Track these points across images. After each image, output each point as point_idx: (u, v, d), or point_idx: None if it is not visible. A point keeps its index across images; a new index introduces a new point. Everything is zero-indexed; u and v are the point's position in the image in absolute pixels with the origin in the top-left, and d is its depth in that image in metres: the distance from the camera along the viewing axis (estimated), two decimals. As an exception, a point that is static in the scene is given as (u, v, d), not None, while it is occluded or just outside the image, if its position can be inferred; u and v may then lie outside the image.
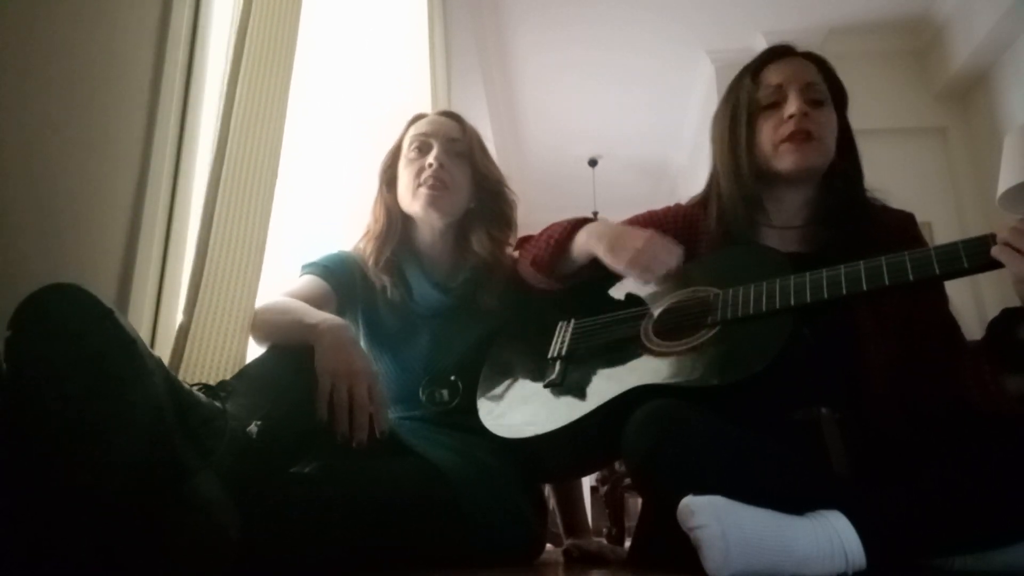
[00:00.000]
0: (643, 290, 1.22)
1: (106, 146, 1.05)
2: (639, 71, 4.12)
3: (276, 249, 1.36)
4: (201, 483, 0.74)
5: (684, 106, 4.43)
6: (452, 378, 1.30)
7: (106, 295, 1.00)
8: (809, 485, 0.89)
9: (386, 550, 1.00)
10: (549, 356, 1.20)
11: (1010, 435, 0.86)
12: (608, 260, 1.17)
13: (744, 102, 1.18)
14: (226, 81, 1.15)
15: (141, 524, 0.68)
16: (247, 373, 1.00)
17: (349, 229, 1.57)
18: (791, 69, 1.17)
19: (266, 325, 1.15)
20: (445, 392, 1.30)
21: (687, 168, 4.94)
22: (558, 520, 1.48)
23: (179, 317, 1.07)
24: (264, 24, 1.19)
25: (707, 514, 0.79)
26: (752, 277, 1.06)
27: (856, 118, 1.22)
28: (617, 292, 1.26)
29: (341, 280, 1.35)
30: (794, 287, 1.00)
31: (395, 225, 1.39)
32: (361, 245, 1.41)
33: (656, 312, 1.15)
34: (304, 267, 1.36)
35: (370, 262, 1.36)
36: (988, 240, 0.89)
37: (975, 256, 0.89)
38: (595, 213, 5.03)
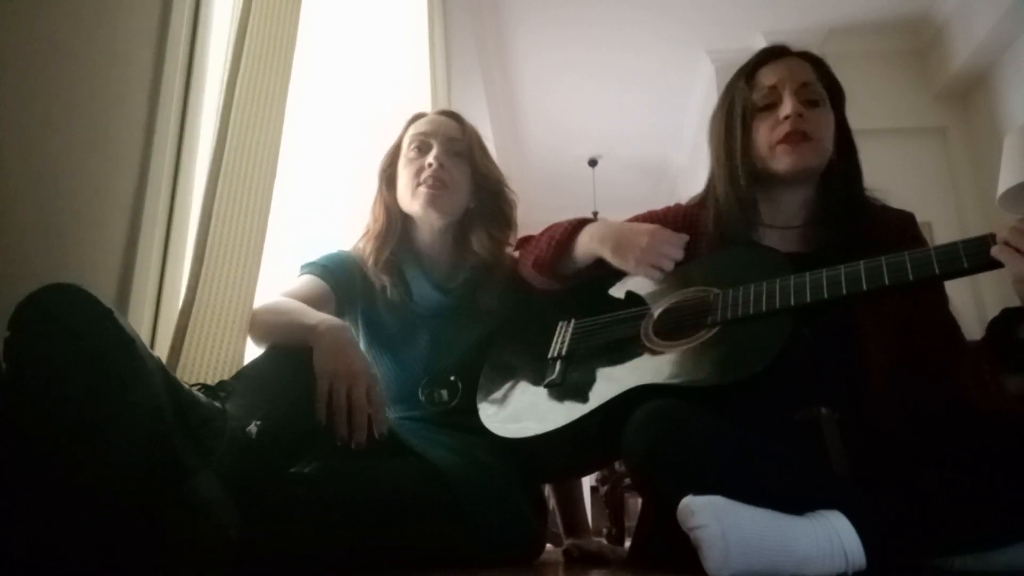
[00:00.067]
0: (643, 290, 1.22)
1: (106, 146, 1.05)
2: (639, 71, 4.12)
3: (275, 249, 1.36)
4: (201, 483, 0.74)
5: (684, 106, 4.43)
6: (452, 378, 1.30)
7: (106, 295, 1.00)
8: (809, 485, 0.89)
9: (386, 550, 1.00)
10: (549, 356, 1.20)
11: (1010, 435, 0.86)
12: (615, 261, 1.17)
13: (739, 104, 1.18)
14: (225, 80, 1.15)
15: (141, 524, 0.68)
16: (246, 373, 1.00)
17: (348, 229, 1.57)
18: (786, 70, 1.17)
19: (265, 325, 1.14)
20: (445, 392, 1.30)
21: (687, 168, 4.94)
22: (558, 520, 1.48)
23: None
24: (263, 23, 1.19)
25: (707, 514, 0.79)
26: (752, 277, 1.06)
27: (856, 118, 1.22)
28: (617, 292, 1.26)
29: (340, 280, 1.34)
30: (794, 287, 1.00)
31: (395, 225, 1.39)
32: (360, 245, 1.41)
33: (656, 312, 1.15)
34: (303, 267, 1.36)
35: (370, 262, 1.36)
36: (988, 240, 0.89)
37: (975, 256, 0.89)
38: (595, 213, 5.03)
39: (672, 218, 1.28)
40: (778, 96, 1.15)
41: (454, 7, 3.13)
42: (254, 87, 1.15)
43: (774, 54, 1.21)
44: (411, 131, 1.41)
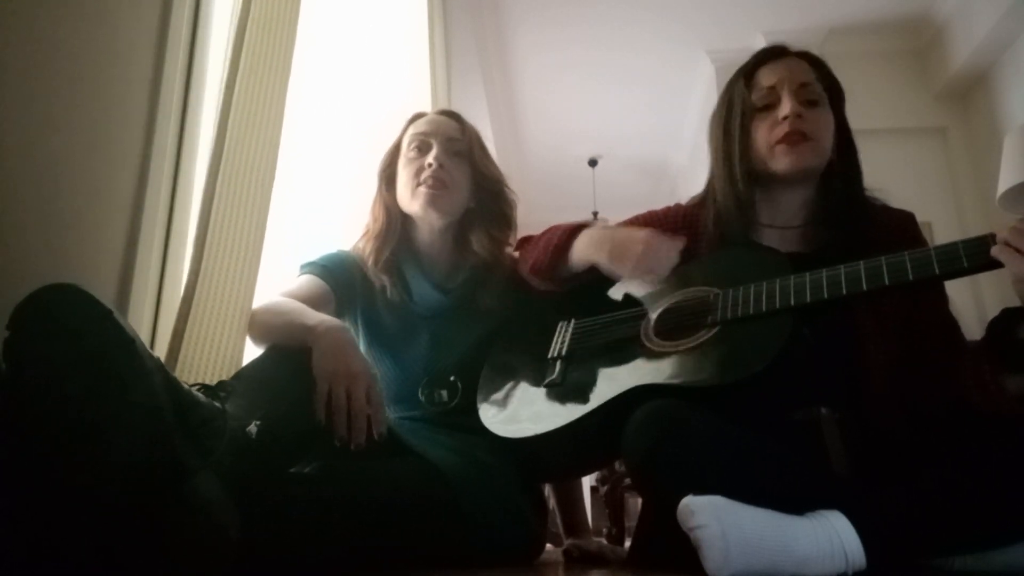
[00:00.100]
0: (643, 290, 1.21)
1: (106, 146, 1.05)
2: (639, 71, 4.12)
3: (275, 249, 1.36)
4: (201, 483, 0.74)
5: (684, 106, 4.43)
6: (451, 378, 1.30)
7: (106, 295, 1.01)
8: (809, 485, 0.89)
9: (386, 550, 1.00)
10: (549, 356, 1.20)
11: (1010, 435, 0.86)
12: (611, 268, 1.16)
13: (738, 105, 1.18)
14: (224, 80, 1.15)
15: (141, 524, 0.68)
16: (246, 374, 1.00)
17: (348, 229, 1.57)
18: (785, 70, 1.17)
19: (264, 326, 1.14)
20: (444, 392, 1.30)
21: (687, 168, 4.94)
22: (558, 520, 1.48)
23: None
24: (262, 23, 1.19)
25: (707, 514, 0.79)
26: (752, 277, 1.06)
27: (856, 118, 1.22)
28: (617, 292, 1.25)
29: (340, 280, 1.34)
30: (794, 287, 1.00)
31: (394, 225, 1.39)
32: (360, 245, 1.41)
33: (656, 312, 1.15)
34: (303, 267, 1.36)
35: (369, 262, 1.36)
36: (988, 240, 0.89)
37: (975, 256, 0.89)
38: (595, 213, 5.03)
39: (672, 218, 1.28)
40: (777, 96, 1.15)
41: (454, 7, 3.13)
42: (253, 86, 1.15)
43: (773, 54, 1.20)
44: (411, 131, 1.41)
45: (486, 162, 1.41)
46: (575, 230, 1.26)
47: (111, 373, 0.68)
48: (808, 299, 0.98)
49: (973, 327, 1.12)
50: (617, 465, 2.55)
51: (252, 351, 1.13)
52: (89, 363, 0.68)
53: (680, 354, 1.04)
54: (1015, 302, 0.93)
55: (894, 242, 1.05)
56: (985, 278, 2.80)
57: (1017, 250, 0.86)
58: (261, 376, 0.99)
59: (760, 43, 3.65)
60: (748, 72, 1.20)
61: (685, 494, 0.82)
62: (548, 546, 1.60)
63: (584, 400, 1.07)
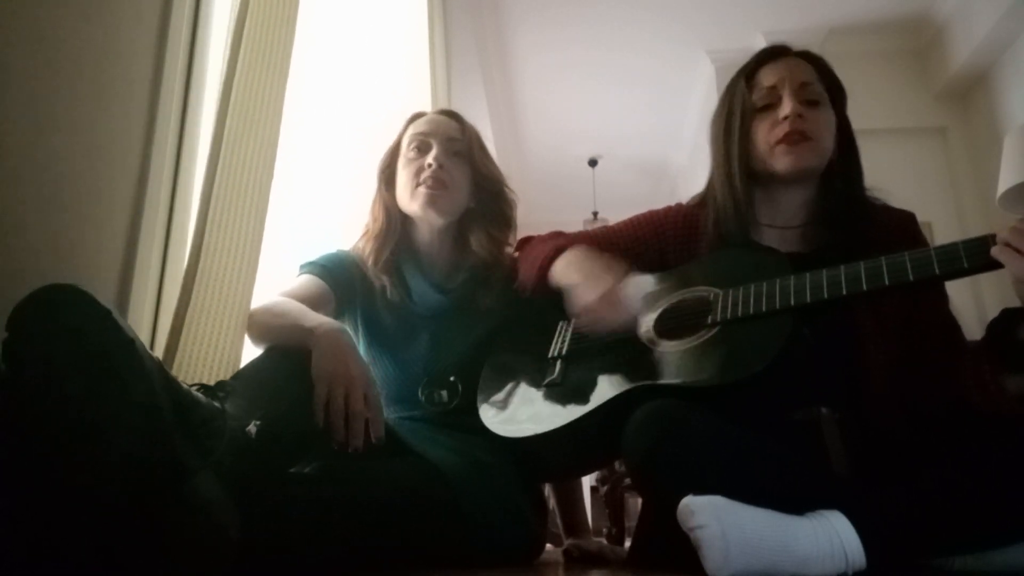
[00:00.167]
0: (644, 290, 1.22)
1: (106, 146, 1.05)
2: (639, 71, 4.12)
3: (274, 249, 1.36)
4: (201, 483, 0.74)
5: (684, 106, 4.44)
6: (451, 379, 1.30)
7: (106, 295, 1.01)
8: (809, 485, 0.89)
9: (386, 550, 1.00)
10: (549, 356, 1.20)
11: (1010, 435, 0.86)
12: (570, 297, 1.16)
13: (739, 105, 1.18)
14: (222, 79, 1.15)
15: (141, 524, 0.68)
16: (245, 374, 1.00)
17: (348, 229, 1.57)
18: (786, 70, 1.17)
19: (263, 326, 1.14)
20: (444, 393, 1.30)
21: (687, 168, 4.94)
22: (558, 520, 1.48)
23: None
24: (261, 21, 1.19)
25: (707, 514, 0.79)
26: (752, 277, 1.06)
27: (856, 118, 1.22)
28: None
29: (340, 280, 1.34)
30: (794, 287, 1.00)
31: (394, 225, 1.39)
32: (360, 245, 1.41)
33: (656, 312, 1.15)
34: (302, 266, 1.36)
35: (369, 262, 1.36)
36: (988, 240, 0.89)
37: (975, 256, 0.89)
38: (595, 213, 5.03)
39: (672, 218, 1.28)
40: (777, 96, 1.15)
41: (454, 7, 3.13)
42: (251, 85, 1.15)
43: (774, 54, 1.20)
44: (410, 131, 1.41)
45: (486, 162, 1.41)
46: (559, 250, 1.24)
47: (111, 373, 0.68)
48: (808, 299, 0.98)
49: (973, 327, 1.12)
50: (617, 465, 2.55)
51: (250, 351, 1.13)
52: (89, 363, 0.68)
53: (680, 354, 1.04)
54: (1015, 302, 0.93)
55: (894, 242, 1.05)
56: (985, 278, 2.80)
57: (1017, 250, 0.86)
58: (260, 376, 0.99)
59: (760, 43, 3.65)
60: (749, 72, 1.20)
61: (685, 494, 0.82)
62: (548, 546, 1.60)
63: (584, 400, 1.08)
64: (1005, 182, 2.57)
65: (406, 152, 1.39)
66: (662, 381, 1.01)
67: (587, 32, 3.80)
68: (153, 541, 0.69)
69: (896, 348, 1.06)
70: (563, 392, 1.13)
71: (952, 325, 1.12)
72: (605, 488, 2.95)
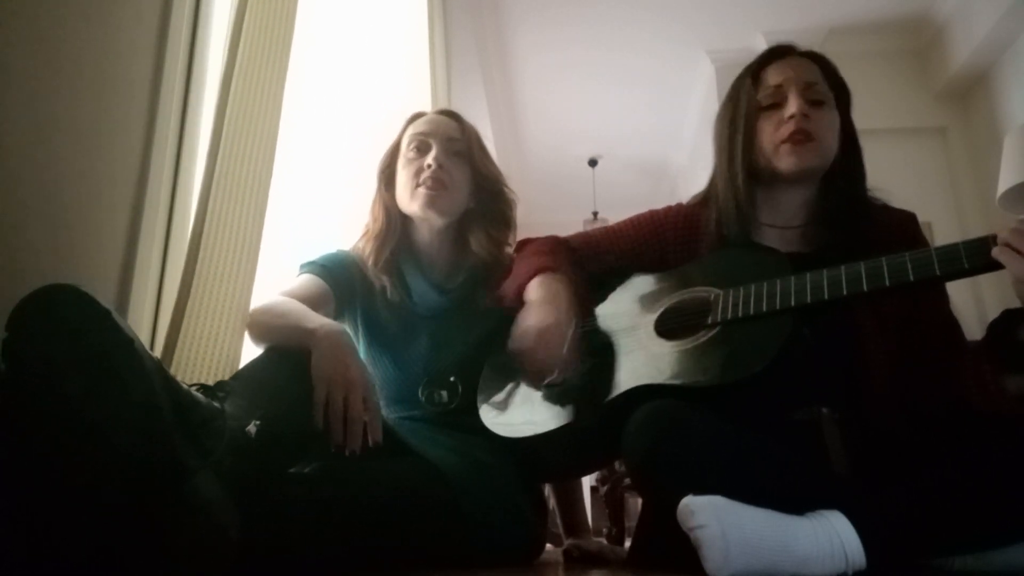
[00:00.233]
0: (643, 290, 1.22)
1: (106, 146, 1.05)
2: (639, 71, 4.12)
3: (274, 248, 1.36)
4: (201, 483, 0.74)
5: (684, 106, 4.44)
6: (451, 379, 1.30)
7: (106, 295, 1.01)
8: (809, 485, 0.89)
9: (386, 550, 1.00)
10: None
11: (1010, 435, 0.86)
12: (514, 331, 1.15)
13: (744, 103, 1.18)
14: (221, 78, 1.15)
15: (141, 524, 0.68)
16: (244, 374, 1.00)
17: (347, 228, 1.57)
18: (791, 69, 1.17)
19: (264, 326, 1.14)
20: (444, 393, 1.30)
21: (687, 168, 4.94)
22: (558, 520, 1.48)
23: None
24: (259, 22, 1.19)
25: (707, 514, 0.79)
26: (752, 277, 1.06)
27: (856, 118, 1.22)
28: (617, 292, 1.26)
29: (340, 280, 1.34)
30: (794, 287, 1.00)
31: (394, 225, 1.39)
32: (360, 245, 1.41)
33: (656, 312, 1.15)
34: (303, 266, 1.36)
35: (369, 262, 1.36)
36: (989, 241, 0.89)
37: (975, 257, 0.89)
38: (595, 213, 5.03)
39: (672, 218, 1.28)
40: (783, 95, 1.15)
41: (454, 7, 3.13)
42: (250, 85, 1.15)
43: (780, 53, 1.20)
44: (410, 131, 1.41)
45: (486, 162, 1.41)
46: (540, 270, 1.22)
47: (110, 373, 0.68)
48: (808, 299, 0.98)
49: (973, 327, 1.12)
50: (617, 465, 2.55)
51: (250, 350, 1.13)
52: (88, 363, 0.68)
53: (680, 354, 1.04)
54: (1015, 303, 0.93)
55: (895, 242, 1.05)
56: (985, 279, 2.80)
57: (1017, 251, 0.86)
58: (260, 376, 0.99)
59: (760, 43, 3.65)
60: (755, 70, 1.20)
61: (685, 494, 0.82)
62: (548, 546, 1.60)
63: (584, 400, 1.07)
64: (1005, 182, 2.57)
65: (406, 152, 1.39)
66: (662, 381, 1.01)
67: (587, 32, 3.80)
68: (153, 541, 0.69)
69: (896, 348, 1.06)
70: (563, 392, 1.12)
71: (952, 325, 1.12)
72: (605, 488, 2.95)
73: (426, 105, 2.42)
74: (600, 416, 1.04)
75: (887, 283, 0.94)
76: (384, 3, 2.37)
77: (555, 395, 1.13)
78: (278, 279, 1.36)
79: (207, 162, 1.10)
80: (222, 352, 1.07)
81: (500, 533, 1.09)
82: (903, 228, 1.18)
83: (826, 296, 0.97)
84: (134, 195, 1.11)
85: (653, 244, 1.27)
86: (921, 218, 1.20)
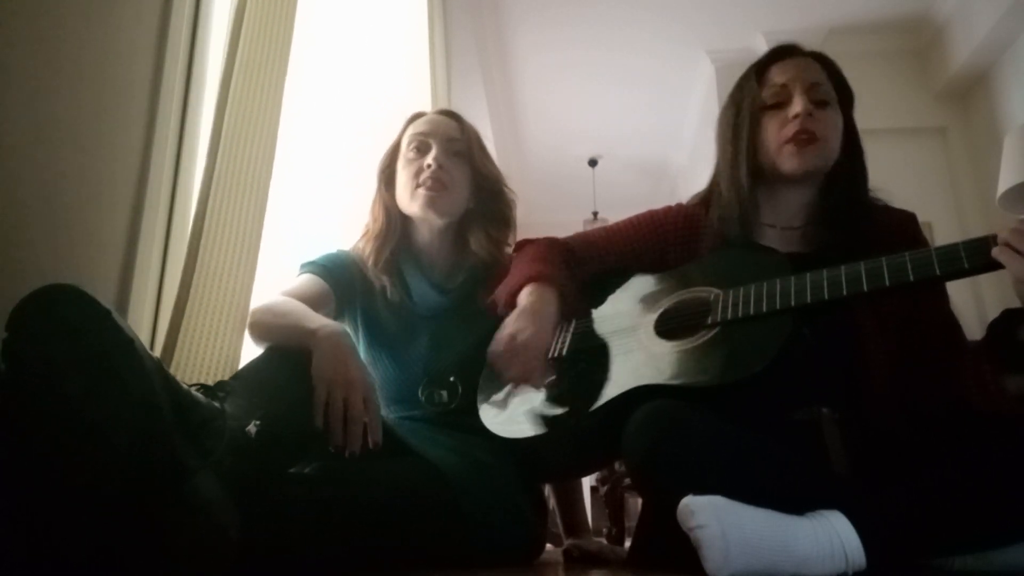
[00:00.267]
0: (643, 290, 1.22)
1: (106, 146, 1.05)
2: (639, 71, 4.12)
3: (274, 248, 1.36)
4: (201, 483, 0.74)
5: (684, 106, 4.43)
6: (451, 379, 1.30)
7: (106, 295, 1.01)
8: (809, 485, 0.89)
9: (386, 550, 1.00)
10: (549, 356, 1.20)
11: (1010, 435, 0.86)
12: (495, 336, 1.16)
13: (749, 101, 1.18)
14: (221, 78, 1.15)
15: (141, 524, 0.68)
16: (244, 374, 1.00)
17: (348, 228, 1.57)
18: (797, 68, 1.17)
19: (264, 326, 1.14)
20: (444, 393, 1.30)
21: (687, 168, 4.94)
22: (558, 520, 1.48)
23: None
24: (259, 22, 1.19)
25: (707, 514, 0.79)
26: (752, 277, 1.06)
27: (856, 118, 1.22)
28: (617, 292, 1.26)
29: (340, 280, 1.34)
30: (794, 287, 1.00)
31: (394, 225, 1.39)
32: (360, 245, 1.41)
33: (656, 312, 1.15)
34: (303, 266, 1.36)
35: (369, 262, 1.36)
36: (989, 241, 0.89)
37: (975, 257, 0.89)
38: (595, 213, 5.03)
39: (672, 218, 1.28)
40: (788, 94, 1.15)
41: (454, 7, 3.13)
42: (249, 84, 1.15)
43: (785, 53, 1.20)
44: (410, 131, 1.41)
45: (485, 162, 1.41)
46: (531, 279, 1.21)
47: (110, 373, 0.68)
48: (808, 299, 0.98)
49: (973, 327, 1.12)
50: (617, 465, 2.55)
51: (250, 350, 1.13)
52: (88, 363, 0.68)
53: (680, 354, 1.04)
54: (1015, 303, 0.93)
55: (895, 242, 1.05)
56: (985, 279, 2.80)
57: (1017, 251, 0.86)
58: (260, 376, 0.99)
59: (760, 43, 3.66)
60: (760, 69, 1.20)
61: (685, 494, 0.82)
62: (548, 546, 1.60)
63: (584, 401, 1.08)
64: (1005, 182, 2.57)
65: (406, 152, 1.39)
66: (662, 381, 1.01)
67: (587, 32, 3.80)
68: (153, 541, 0.69)
69: (896, 348, 1.06)
70: (563, 392, 1.12)
71: (952, 325, 1.12)
72: (605, 488, 2.95)
73: (426, 105, 2.42)
74: (600, 416, 1.04)
75: (887, 283, 0.94)
76: (384, 3, 2.37)
77: (555, 396, 1.13)
78: (278, 279, 1.36)
79: (207, 162, 1.10)
80: (222, 352, 1.07)
81: (500, 533, 1.09)
82: (903, 228, 1.18)
83: (826, 296, 0.97)
84: (134, 195, 1.11)
85: (653, 244, 1.27)
86: (921, 218, 1.20)
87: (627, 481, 2.74)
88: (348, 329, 1.19)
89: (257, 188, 1.16)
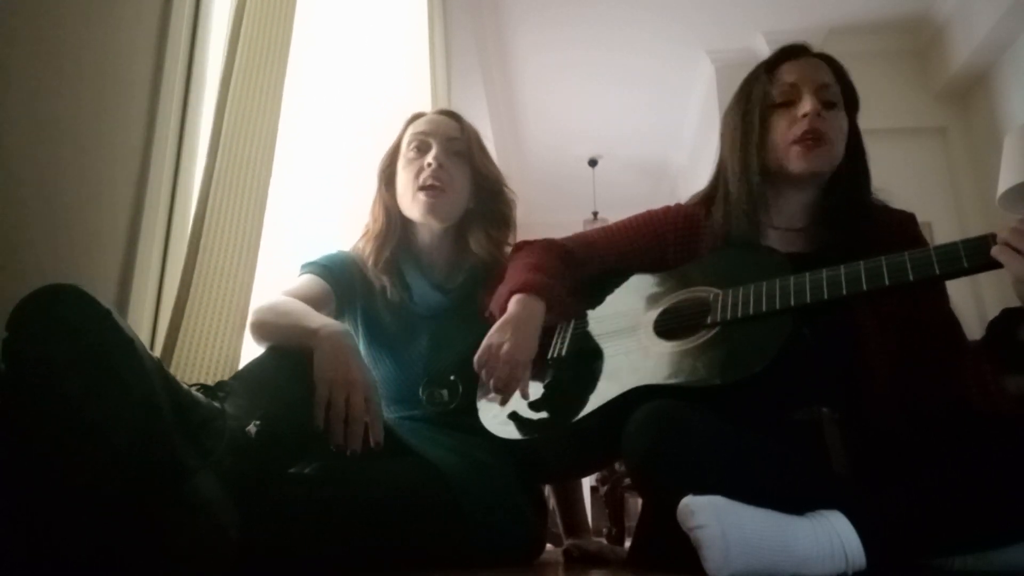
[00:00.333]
0: (643, 290, 1.22)
1: (106, 146, 1.05)
2: (639, 71, 4.12)
3: (274, 248, 1.36)
4: (201, 483, 0.74)
5: (684, 106, 4.43)
6: (452, 378, 1.30)
7: (106, 295, 1.01)
8: (809, 485, 0.89)
9: (386, 550, 1.00)
10: (549, 356, 1.20)
11: (1010, 435, 0.86)
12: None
13: (758, 98, 1.17)
14: (220, 78, 1.15)
15: (141, 524, 0.68)
16: (245, 374, 1.00)
17: (347, 228, 1.57)
18: (806, 69, 1.17)
19: (265, 326, 1.14)
20: (445, 392, 1.30)
21: (687, 168, 4.94)
22: (558, 520, 1.48)
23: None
24: (259, 22, 1.19)
25: (707, 514, 0.79)
26: (752, 277, 1.06)
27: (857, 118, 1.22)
28: (617, 292, 1.26)
29: (340, 280, 1.34)
30: (794, 287, 1.00)
31: (394, 225, 1.39)
32: (360, 245, 1.41)
33: (656, 312, 1.15)
34: (303, 266, 1.36)
35: (369, 262, 1.36)
36: (988, 240, 0.89)
37: (975, 256, 0.89)
38: (595, 213, 5.03)
39: (672, 218, 1.28)
40: (797, 94, 1.14)
41: (454, 7, 3.13)
42: (249, 84, 1.15)
43: (795, 52, 1.20)
44: (410, 131, 1.41)
45: (485, 162, 1.41)
46: (523, 286, 1.19)
47: (110, 373, 0.68)
48: (808, 299, 0.98)
49: (973, 327, 1.12)
50: (617, 465, 2.55)
51: (250, 350, 1.13)
52: (88, 363, 0.68)
53: (680, 354, 1.04)
54: (1015, 302, 0.93)
55: (895, 243, 1.05)
56: (985, 278, 2.80)
57: (1017, 251, 0.86)
58: (260, 376, 0.99)
59: (760, 43, 3.66)
60: (770, 67, 1.20)
61: (685, 494, 0.82)
62: (548, 546, 1.60)
63: (584, 401, 1.07)
64: (1005, 182, 2.57)
65: (406, 152, 1.39)
66: (662, 381, 1.01)
67: (587, 32, 3.80)
68: (153, 541, 0.69)
69: (896, 348, 1.06)
70: (563, 393, 1.12)
71: (952, 324, 1.12)
72: (605, 488, 2.95)
73: (426, 105, 2.42)
74: (599, 417, 1.04)
75: (887, 282, 0.94)
76: (384, 3, 2.37)
77: (554, 396, 1.13)
78: (278, 279, 1.36)
79: (207, 162, 1.10)
80: (222, 352, 1.07)
81: (500, 533, 1.09)
82: (903, 228, 1.18)
83: (826, 296, 0.97)
84: (134, 195, 1.11)
85: (653, 244, 1.27)
86: (921, 218, 1.20)
87: (627, 481, 2.74)
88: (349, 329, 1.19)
89: (257, 188, 1.16)
